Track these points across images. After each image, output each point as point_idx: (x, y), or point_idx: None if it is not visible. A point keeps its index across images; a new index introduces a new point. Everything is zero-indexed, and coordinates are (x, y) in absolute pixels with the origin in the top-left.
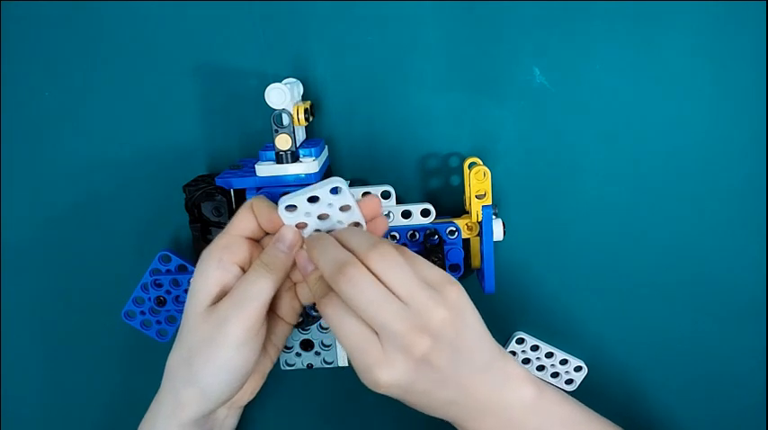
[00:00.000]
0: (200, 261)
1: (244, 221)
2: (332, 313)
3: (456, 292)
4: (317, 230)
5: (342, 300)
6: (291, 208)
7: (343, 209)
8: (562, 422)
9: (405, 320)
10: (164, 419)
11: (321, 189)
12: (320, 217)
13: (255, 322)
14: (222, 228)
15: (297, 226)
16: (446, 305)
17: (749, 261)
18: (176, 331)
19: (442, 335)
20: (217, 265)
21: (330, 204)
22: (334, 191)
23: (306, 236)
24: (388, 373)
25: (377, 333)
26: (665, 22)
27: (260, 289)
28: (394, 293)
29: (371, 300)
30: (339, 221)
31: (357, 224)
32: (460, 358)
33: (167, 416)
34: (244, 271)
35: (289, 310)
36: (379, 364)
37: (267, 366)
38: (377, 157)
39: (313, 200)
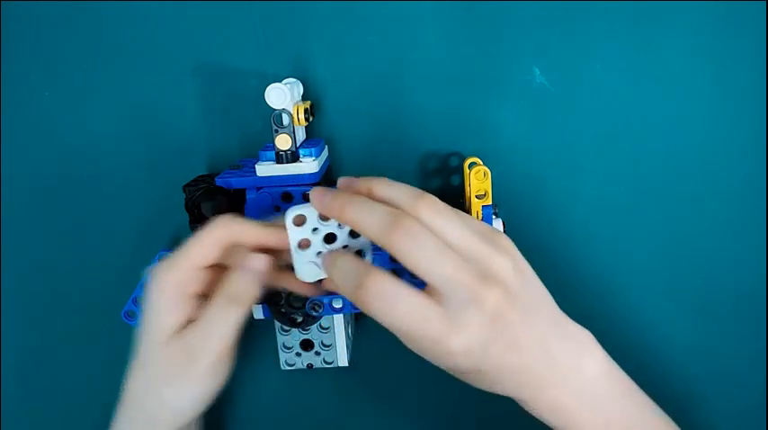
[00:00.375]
0: (152, 291)
1: (202, 251)
2: (380, 295)
3: (508, 241)
4: (319, 252)
5: (387, 278)
6: (300, 217)
7: (354, 234)
8: (630, 394)
9: (469, 271)
10: None
11: None
12: (327, 238)
13: (225, 352)
14: None
15: (300, 243)
16: (504, 253)
17: (749, 261)
18: None
19: (509, 283)
20: (171, 303)
21: (341, 225)
22: None
23: (302, 256)
24: (461, 338)
25: (437, 297)
26: (665, 22)
27: (228, 324)
28: (451, 242)
29: (433, 251)
30: (345, 246)
31: (359, 252)
32: (531, 312)
33: None
34: (203, 296)
35: None
36: (450, 331)
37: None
38: (377, 157)
39: (325, 218)
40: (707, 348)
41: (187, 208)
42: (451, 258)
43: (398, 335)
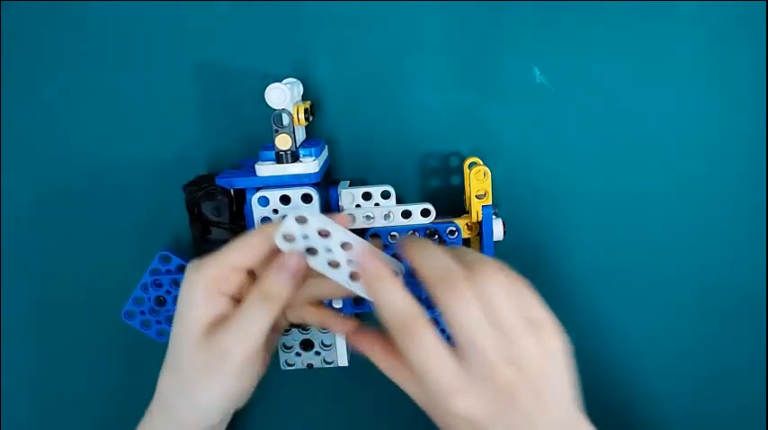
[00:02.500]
0: (187, 284)
1: (242, 253)
2: (415, 339)
3: (555, 335)
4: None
5: (428, 326)
6: (302, 219)
7: (345, 246)
8: None
9: (498, 350)
10: None
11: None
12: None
13: (256, 352)
14: (222, 228)
15: (308, 250)
16: (542, 343)
17: (749, 261)
18: None
19: (529, 369)
20: (206, 296)
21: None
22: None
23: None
24: (466, 401)
25: (461, 356)
26: (666, 22)
27: (260, 325)
28: (493, 316)
29: (472, 319)
30: (328, 250)
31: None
32: (543, 400)
33: None
34: (235, 299)
35: (280, 322)
36: (459, 390)
37: (262, 370)
38: (377, 157)
39: (325, 234)
40: (707, 348)
41: (188, 208)
42: (488, 332)
43: (416, 378)
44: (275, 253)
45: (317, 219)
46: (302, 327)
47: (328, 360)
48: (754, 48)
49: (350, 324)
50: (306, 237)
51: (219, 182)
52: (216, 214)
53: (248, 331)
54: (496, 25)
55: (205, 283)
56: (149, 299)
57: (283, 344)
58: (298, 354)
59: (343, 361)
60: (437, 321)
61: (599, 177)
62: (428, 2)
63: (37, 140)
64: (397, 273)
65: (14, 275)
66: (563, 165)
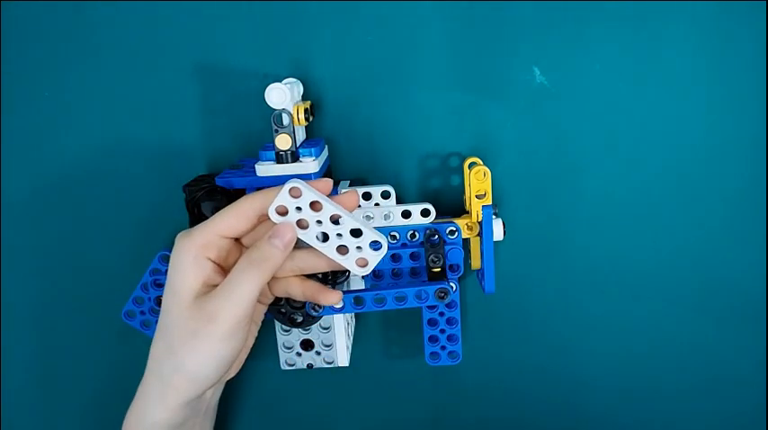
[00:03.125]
0: (177, 252)
1: (231, 221)
2: None
3: None
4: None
5: None
6: (296, 192)
7: (335, 219)
8: None
9: None
10: (153, 405)
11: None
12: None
13: (244, 318)
14: None
15: (298, 223)
16: None
17: (749, 261)
18: None
19: None
20: (195, 262)
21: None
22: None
23: (304, 238)
24: None
25: None
26: (665, 22)
27: (251, 289)
28: None
29: None
30: (318, 222)
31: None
32: None
33: (156, 402)
34: (220, 267)
35: (266, 294)
36: None
37: (250, 342)
38: (377, 157)
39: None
40: (707, 348)
41: (188, 207)
42: None
43: None
44: (263, 223)
45: (310, 192)
46: (302, 328)
47: (328, 360)
48: (754, 48)
49: (336, 294)
50: (299, 209)
51: (219, 182)
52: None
53: (239, 295)
54: (496, 25)
55: (195, 251)
56: (149, 299)
57: (283, 344)
58: (298, 354)
59: (343, 361)
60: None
61: (599, 177)
62: (428, 2)
63: (37, 140)
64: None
65: (14, 275)
66: (563, 165)
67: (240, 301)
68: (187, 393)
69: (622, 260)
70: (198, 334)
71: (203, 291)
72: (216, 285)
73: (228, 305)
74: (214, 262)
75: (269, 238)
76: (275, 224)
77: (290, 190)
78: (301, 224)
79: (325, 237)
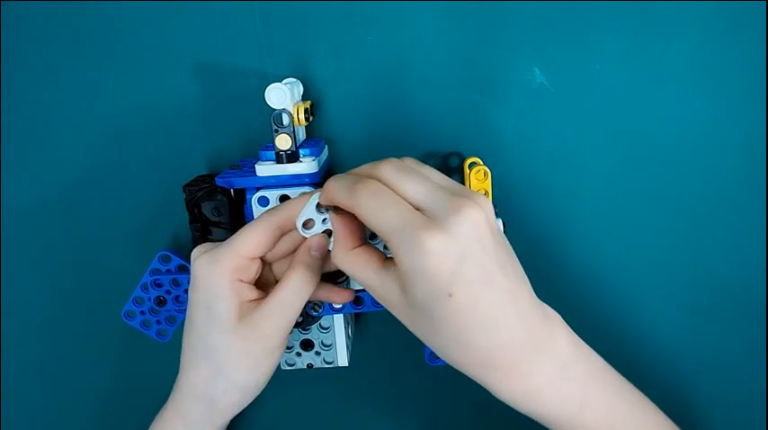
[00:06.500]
0: (207, 277)
1: (256, 241)
2: (373, 194)
3: (482, 197)
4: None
5: (379, 184)
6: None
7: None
8: (598, 369)
9: (419, 217)
10: (198, 428)
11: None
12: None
13: (290, 326)
14: (222, 228)
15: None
16: (479, 198)
17: (749, 261)
18: (178, 330)
19: (489, 210)
20: (231, 287)
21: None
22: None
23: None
24: (437, 237)
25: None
26: (665, 22)
27: (298, 304)
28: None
29: (388, 202)
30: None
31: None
32: (504, 264)
33: (201, 425)
34: (255, 286)
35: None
36: (430, 227)
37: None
38: (377, 157)
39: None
40: (707, 348)
41: (188, 207)
42: (403, 208)
43: (382, 236)
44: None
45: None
46: (302, 328)
47: (328, 360)
48: (753, 48)
49: (349, 293)
50: (324, 221)
51: (219, 182)
52: (216, 214)
53: (286, 315)
54: (496, 25)
55: (229, 276)
56: (149, 299)
57: None
58: (298, 354)
59: (343, 361)
60: None
61: (599, 177)
62: (428, 2)
63: (37, 140)
64: None
65: (15, 275)
66: (563, 165)
67: (293, 316)
68: (237, 409)
69: (622, 260)
70: (252, 352)
71: (244, 312)
72: (250, 300)
73: (284, 322)
74: (249, 282)
75: (307, 251)
76: (303, 236)
77: (316, 205)
78: (307, 226)
79: None
